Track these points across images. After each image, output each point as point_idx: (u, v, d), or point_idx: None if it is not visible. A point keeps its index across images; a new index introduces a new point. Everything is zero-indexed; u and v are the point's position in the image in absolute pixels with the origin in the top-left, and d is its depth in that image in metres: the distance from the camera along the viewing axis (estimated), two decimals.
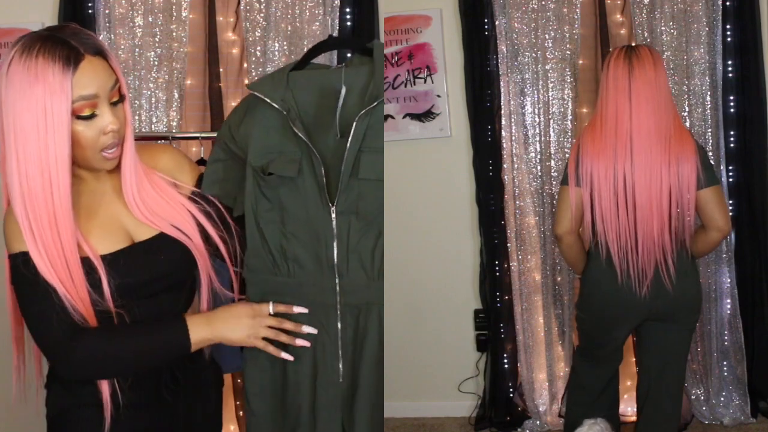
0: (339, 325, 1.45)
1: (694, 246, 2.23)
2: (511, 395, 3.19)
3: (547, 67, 2.98)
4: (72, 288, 1.27)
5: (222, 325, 1.38)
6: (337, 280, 1.44)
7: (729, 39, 2.91)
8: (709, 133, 2.94)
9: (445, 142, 3.20)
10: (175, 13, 2.84)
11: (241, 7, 2.89)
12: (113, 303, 1.30)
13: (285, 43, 2.83)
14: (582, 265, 2.31)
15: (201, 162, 2.37)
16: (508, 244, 3.12)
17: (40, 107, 1.21)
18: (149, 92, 2.84)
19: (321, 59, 1.66)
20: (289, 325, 1.43)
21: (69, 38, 1.25)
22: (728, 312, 3.02)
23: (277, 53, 2.83)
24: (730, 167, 2.98)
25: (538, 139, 3.03)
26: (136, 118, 2.83)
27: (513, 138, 3.07)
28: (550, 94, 2.99)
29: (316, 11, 2.84)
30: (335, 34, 2.85)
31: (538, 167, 3.04)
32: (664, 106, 2.10)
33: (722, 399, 3.04)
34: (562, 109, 3.00)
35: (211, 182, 1.53)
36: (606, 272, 2.20)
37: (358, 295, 1.45)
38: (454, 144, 3.20)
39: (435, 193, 3.25)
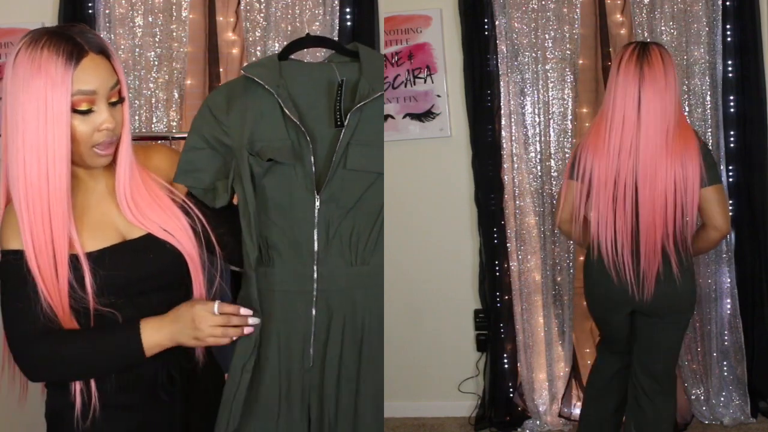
0: (314, 312, 1.47)
1: (694, 244, 2.24)
2: (511, 395, 3.19)
3: (547, 67, 2.98)
4: (53, 284, 1.28)
5: (172, 329, 1.35)
6: (315, 267, 1.46)
7: (729, 39, 2.91)
8: (709, 133, 2.94)
9: (445, 142, 3.20)
10: (175, 13, 2.84)
11: (241, 7, 2.89)
12: (101, 301, 1.31)
13: (285, 43, 2.82)
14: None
15: None
16: (508, 244, 3.12)
17: (41, 98, 1.24)
18: (149, 92, 2.84)
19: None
20: (236, 320, 1.40)
21: (75, 35, 1.28)
22: (728, 312, 3.02)
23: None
24: (730, 167, 2.98)
25: (538, 139, 3.03)
26: (136, 118, 2.83)
27: (513, 138, 3.07)
28: (550, 94, 3.00)
29: (316, 11, 2.84)
30: (335, 34, 2.85)
31: (538, 167, 3.04)
32: (671, 112, 2.10)
33: (722, 399, 3.04)
34: (562, 109, 3.00)
35: (185, 172, 1.51)
36: (599, 269, 2.23)
37: (336, 281, 1.47)
38: (454, 144, 3.20)
39: (435, 193, 3.25)
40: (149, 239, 1.40)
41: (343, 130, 1.45)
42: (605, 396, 2.51)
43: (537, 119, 3.03)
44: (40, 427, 1.47)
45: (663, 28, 2.91)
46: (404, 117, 3.21)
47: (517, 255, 3.11)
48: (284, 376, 1.49)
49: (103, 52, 1.30)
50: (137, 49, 2.83)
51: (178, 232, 1.41)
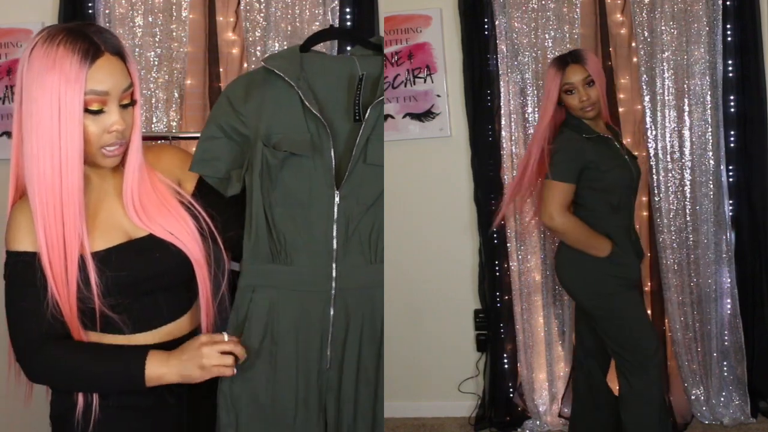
0: (332, 311, 1.45)
1: None
2: (511, 395, 3.19)
3: (547, 67, 2.98)
4: (63, 285, 1.28)
5: (177, 363, 1.34)
6: (334, 265, 1.44)
7: (729, 39, 2.91)
8: (709, 133, 2.94)
9: (445, 142, 3.20)
10: (175, 13, 2.84)
11: (241, 7, 2.89)
12: (108, 301, 1.30)
13: (285, 43, 2.83)
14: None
15: None
16: (508, 244, 3.12)
17: (55, 94, 1.23)
18: (149, 92, 2.84)
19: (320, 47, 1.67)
20: (237, 349, 1.39)
21: (92, 34, 1.27)
22: (728, 312, 3.02)
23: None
24: (730, 167, 2.98)
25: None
26: None
27: (513, 138, 3.07)
28: None
29: (316, 11, 2.84)
30: None
31: None
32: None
33: (722, 399, 3.04)
34: None
35: (202, 161, 1.49)
36: None
37: (356, 280, 1.45)
38: (454, 144, 3.20)
39: (435, 193, 3.25)
40: (154, 238, 1.39)
41: (363, 125, 1.42)
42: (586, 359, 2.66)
43: (537, 119, 3.02)
44: (45, 428, 1.46)
45: (663, 27, 2.91)
46: (404, 117, 3.20)
47: (517, 255, 3.11)
48: (302, 378, 1.46)
49: (119, 53, 1.30)
50: (137, 49, 2.83)
51: (185, 235, 1.40)
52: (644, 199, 3.07)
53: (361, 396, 1.46)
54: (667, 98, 2.94)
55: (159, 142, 2.47)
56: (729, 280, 3.00)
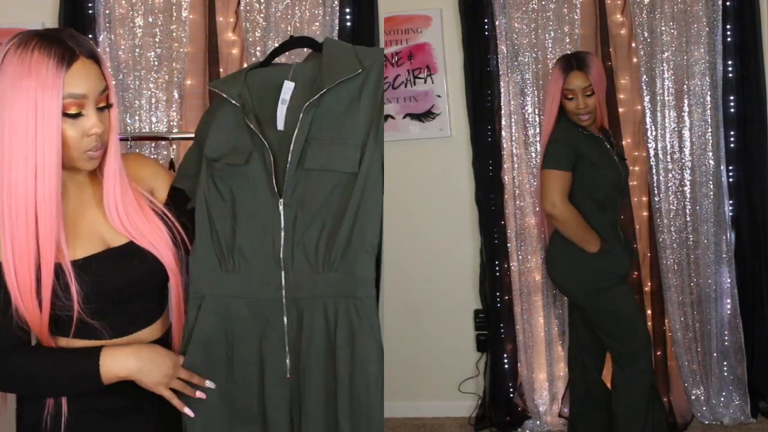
0: (285, 320, 1.44)
1: None
2: (511, 395, 3.19)
3: (547, 67, 2.98)
4: (29, 295, 1.26)
5: (139, 366, 1.35)
6: (282, 274, 1.43)
7: (729, 39, 2.92)
8: (709, 133, 2.94)
9: (445, 142, 3.20)
10: (175, 14, 2.84)
11: (241, 8, 2.89)
12: (88, 308, 1.29)
13: None
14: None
15: (171, 166, 2.39)
16: (508, 244, 3.12)
17: (31, 100, 1.22)
18: (149, 92, 2.84)
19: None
20: (196, 380, 1.42)
21: (66, 39, 1.26)
22: (728, 312, 3.02)
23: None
24: (730, 167, 2.98)
25: (538, 139, 3.03)
26: (136, 117, 2.83)
27: (513, 138, 3.07)
28: None
29: (316, 11, 2.84)
30: (335, 34, 2.85)
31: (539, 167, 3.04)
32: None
33: (722, 399, 3.04)
34: None
35: (180, 176, 1.55)
36: None
37: (303, 289, 1.43)
38: (454, 144, 3.20)
39: (435, 193, 3.25)
40: (132, 246, 1.39)
41: (296, 130, 1.42)
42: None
43: (537, 119, 3.03)
44: None
45: (663, 28, 2.91)
46: (404, 117, 3.21)
47: (517, 255, 3.11)
48: (267, 384, 1.47)
49: (93, 56, 1.29)
50: (137, 49, 2.83)
51: (160, 242, 1.41)
52: (644, 199, 3.07)
53: (318, 408, 1.44)
54: (667, 98, 2.94)
55: (159, 142, 2.46)
56: (729, 280, 3.00)
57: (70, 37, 1.27)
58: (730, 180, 2.98)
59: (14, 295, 1.26)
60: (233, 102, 1.49)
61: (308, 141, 1.43)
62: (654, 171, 2.97)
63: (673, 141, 2.97)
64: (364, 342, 1.40)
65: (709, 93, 2.93)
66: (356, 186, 1.41)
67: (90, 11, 2.84)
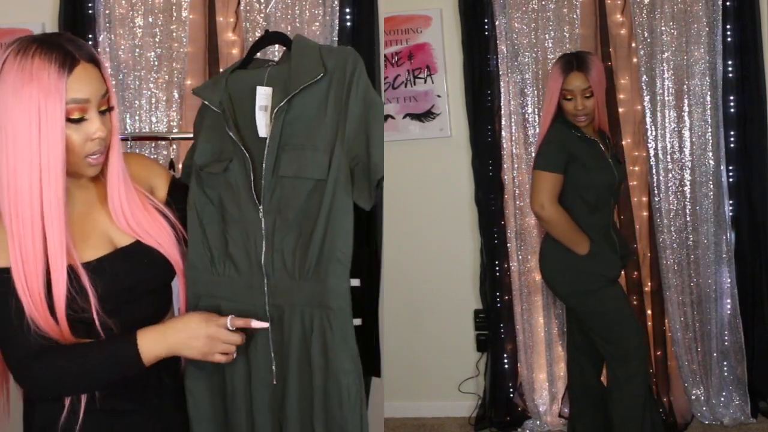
0: (269, 328, 1.45)
1: None
2: (511, 395, 3.19)
3: (547, 67, 2.98)
4: (39, 300, 1.26)
5: (176, 340, 1.36)
6: (264, 281, 1.44)
7: (729, 39, 2.92)
8: (709, 133, 2.94)
9: (445, 142, 3.20)
10: (175, 14, 2.84)
11: (241, 7, 2.89)
12: (102, 309, 1.30)
13: None
14: None
15: (171, 166, 2.39)
16: (508, 244, 3.12)
17: (34, 106, 1.22)
18: (149, 92, 2.84)
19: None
20: (240, 340, 1.41)
21: (65, 43, 1.26)
22: (728, 312, 3.02)
23: (276, 53, 2.82)
24: (730, 167, 2.98)
25: (538, 139, 3.02)
26: (137, 117, 2.83)
27: (513, 138, 3.07)
28: None
29: (316, 11, 2.84)
30: (335, 34, 2.85)
31: None
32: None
33: (722, 399, 3.04)
34: None
35: (184, 174, 1.60)
36: None
37: (283, 296, 1.43)
38: (454, 144, 3.20)
39: (435, 193, 3.25)
40: (139, 245, 1.40)
41: (268, 136, 1.42)
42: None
43: (537, 119, 3.03)
44: None
45: (663, 28, 2.91)
46: (404, 117, 3.21)
47: (517, 255, 3.11)
48: (254, 390, 1.48)
49: (94, 60, 1.29)
50: (137, 49, 2.83)
51: (166, 240, 1.42)
52: (644, 199, 3.07)
53: (299, 415, 1.44)
54: (667, 98, 2.94)
55: (160, 142, 2.46)
56: (729, 280, 3.00)
57: (69, 41, 1.27)
58: (730, 180, 2.98)
59: (26, 302, 1.26)
60: (214, 108, 1.49)
61: (282, 147, 1.42)
62: (654, 171, 2.97)
63: (673, 141, 2.97)
64: (337, 354, 1.39)
65: (709, 93, 2.93)
66: (326, 193, 1.39)
67: (90, 11, 2.84)
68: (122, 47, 2.83)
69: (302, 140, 1.42)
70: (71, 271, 1.29)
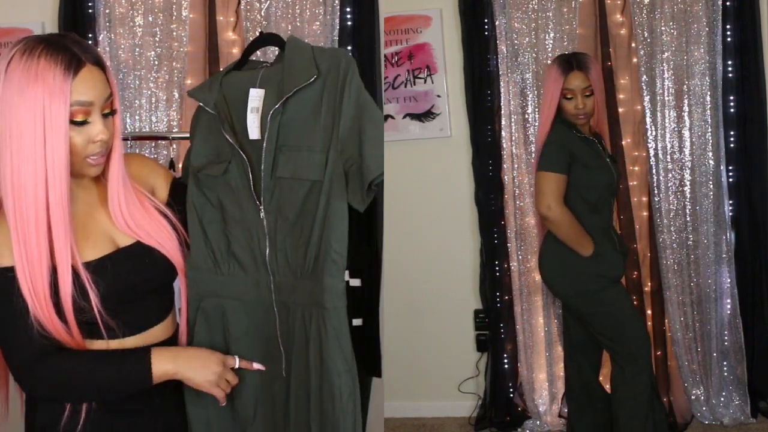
0: (277, 321, 1.47)
1: None
2: (511, 395, 3.19)
3: (548, 65, 2.98)
4: (44, 300, 1.26)
5: (187, 365, 1.39)
6: (271, 278, 1.46)
7: (729, 39, 2.92)
8: (709, 133, 2.94)
9: (445, 142, 3.20)
10: (175, 13, 2.84)
11: (241, 7, 2.89)
12: (104, 309, 1.30)
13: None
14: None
15: (171, 165, 2.39)
16: (508, 244, 3.12)
17: (39, 107, 1.22)
18: (149, 92, 2.84)
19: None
20: (236, 382, 1.47)
21: (72, 45, 1.26)
22: (728, 312, 3.02)
23: (277, 53, 2.82)
24: (730, 167, 2.98)
25: (537, 140, 3.02)
26: (137, 117, 2.83)
27: (513, 138, 3.07)
28: None
29: (316, 11, 2.84)
30: (335, 34, 2.85)
31: None
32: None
33: (722, 399, 3.04)
34: None
35: (185, 175, 1.59)
36: None
37: (288, 293, 1.45)
38: (454, 144, 3.20)
39: (435, 193, 3.25)
40: (140, 245, 1.41)
41: (265, 138, 1.42)
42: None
43: (537, 119, 3.02)
44: None
45: (663, 28, 2.91)
46: (404, 117, 3.21)
47: (517, 255, 3.11)
48: (265, 382, 1.49)
49: (99, 63, 1.30)
50: (137, 49, 2.83)
51: (166, 240, 1.43)
52: (644, 199, 3.07)
53: (300, 410, 1.45)
54: (667, 98, 2.94)
55: (159, 142, 2.46)
56: (729, 280, 3.00)
57: (75, 43, 1.27)
58: (730, 180, 2.98)
59: (30, 302, 1.26)
60: (209, 110, 1.50)
61: (279, 148, 1.43)
62: (654, 171, 2.97)
63: (673, 141, 2.97)
64: (330, 354, 1.40)
65: (709, 93, 2.93)
66: (321, 194, 1.40)
67: (90, 11, 2.84)
68: (122, 47, 2.83)
69: (298, 142, 1.43)
70: (73, 271, 1.29)
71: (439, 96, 3.17)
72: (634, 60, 2.99)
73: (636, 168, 3.06)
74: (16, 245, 1.26)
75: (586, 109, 2.41)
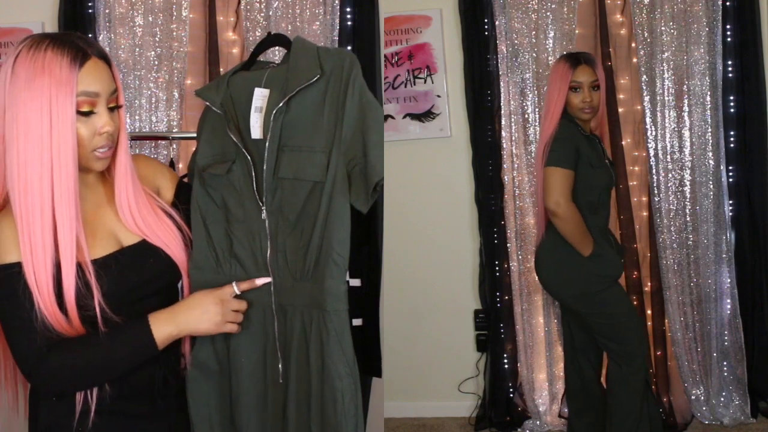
0: (276, 324, 1.46)
1: None
2: (511, 395, 3.19)
3: (547, 67, 2.98)
4: (49, 294, 1.26)
5: (187, 318, 1.38)
6: (270, 280, 1.45)
7: (729, 39, 2.92)
8: (709, 133, 2.94)
9: (445, 142, 3.20)
10: (175, 13, 2.84)
11: (241, 7, 2.89)
12: (108, 307, 1.30)
13: None
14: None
15: (171, 165, 2.39)
16: (508, 244, 3.12)
17: (45, 98, 1.23)
18: (149, 92, 2.84)
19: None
20: (245, 306, 1.45)
21: (77, 40, 1.28)
22: (728, 312, 3.02)
23: (277, 53, 2.82)
24: (730, 167, 2.98)
25: (538, 138, 3.02)
26: (137, 117, 2.83)
27: (513, 138, 3.07)
28: None
29: (316, 11, 2.84)
30: (335, 33, 2.85)
31: None
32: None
33: (722, 399, 3.04)
34: None
35: (190, 176, 1.59)
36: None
37: (286, 296, 1.44)
38: (454, 144, 3.20)
39: (435, 192, 3.25)
40: (146, 245, 1.41)
41: (268, 138, 1.42)
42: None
43: (537, 119, 3.03)
44: None
45: (663, 28, 2.91)
46: (404, 117, 3.21)
47: (517, 255, 3.11)
48: (260, 386, 1.48)
49: (104, 58, 1.31)
50: (137, 49, 2.83)
51: (172, 240, 1.43)
52: (644, 199, 3.07)
53: (298, 415, 1.44)
54: (667, 98, 2.94)
55: (159, 142, 2.46)
56: (729, 280, 3.00)
57: (81, 39, 1.30)
58: (730, 180, 2.99)
59: (35, 294, 1.26)
60: (215, 110, 1.50)
61: (281, 148, 1.43)
62: (654, 171, 2.97)
63: (673, 141, 2.97)
64: (332, 357, 1.40)
65: (709, 93, 2.93)
66: (323, 195, 1.40)
67: (90, 10, 2.84)
68: (122, 46, 2.83)
69: (300, 142, 1.43)
70: (78, 267, 1.29)
71: (439, 96, 3.17)
72: (634, 60, 2.99)
73: (636, 168, 3.06)
74: (22, 238, 1.26)
75: (593, 103, 2.41)
